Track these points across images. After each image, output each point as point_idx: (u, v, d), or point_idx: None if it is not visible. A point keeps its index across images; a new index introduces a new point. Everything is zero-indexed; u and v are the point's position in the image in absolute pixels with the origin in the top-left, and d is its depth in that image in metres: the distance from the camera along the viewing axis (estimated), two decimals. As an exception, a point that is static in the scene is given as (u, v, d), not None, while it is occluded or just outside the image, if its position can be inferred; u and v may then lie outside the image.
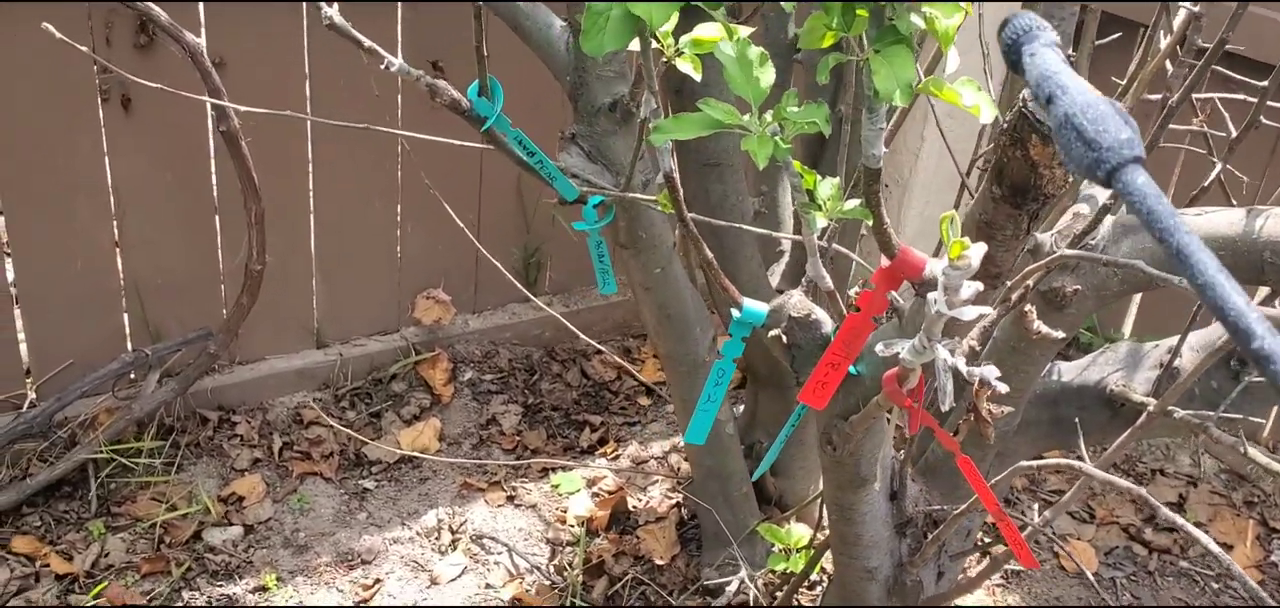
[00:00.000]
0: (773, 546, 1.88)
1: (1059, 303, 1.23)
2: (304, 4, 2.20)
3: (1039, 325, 1.04)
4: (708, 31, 0.95)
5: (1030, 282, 0.97)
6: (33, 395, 2.23)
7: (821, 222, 0.94)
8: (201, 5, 2.10)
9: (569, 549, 2.20)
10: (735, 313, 1.15)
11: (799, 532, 1.88)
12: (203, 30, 2.10)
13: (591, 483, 2.40)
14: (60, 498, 2.14)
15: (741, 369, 2.46)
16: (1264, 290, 1.41)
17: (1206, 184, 1.38)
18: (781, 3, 0.85)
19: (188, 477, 2.24)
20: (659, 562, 2.16)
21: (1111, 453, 1.14)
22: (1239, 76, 1.41)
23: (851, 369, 1.10)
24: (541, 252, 2.79)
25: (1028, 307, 1.05)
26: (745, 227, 1.71)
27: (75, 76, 2.03)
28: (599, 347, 2.46)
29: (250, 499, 2.22)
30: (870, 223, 0.91)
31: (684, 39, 0.98)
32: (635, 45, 0.94)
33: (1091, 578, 1.30)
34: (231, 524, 2.16)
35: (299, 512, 2.22)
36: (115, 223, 2.20)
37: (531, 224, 2.72)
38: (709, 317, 1.85)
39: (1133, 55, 1.50)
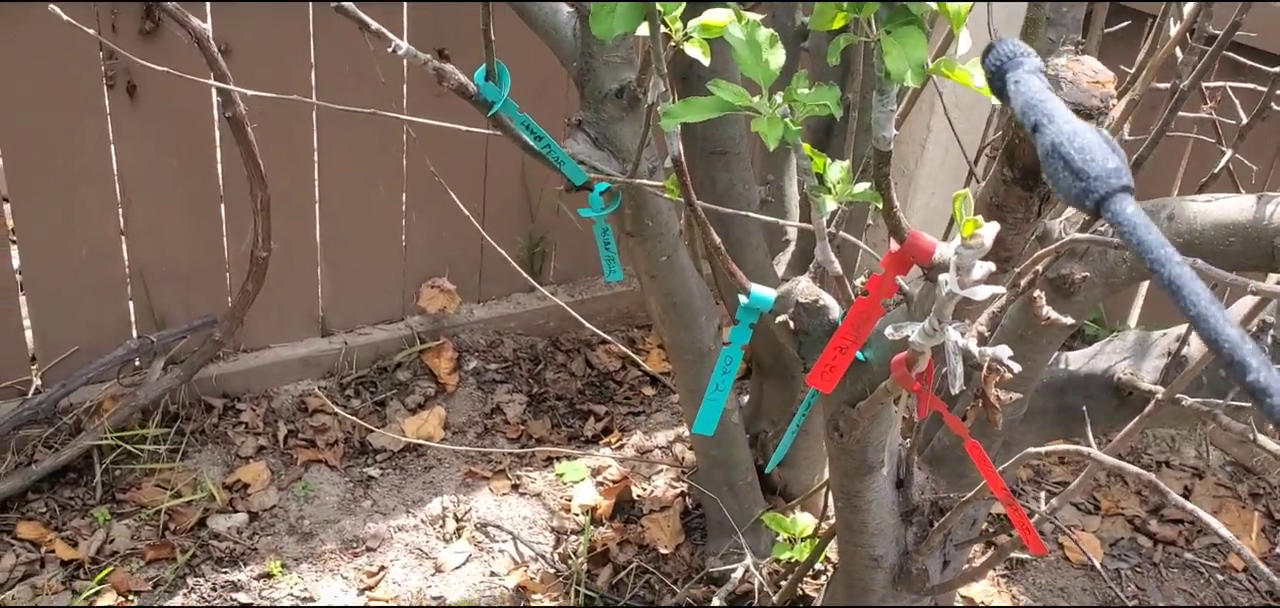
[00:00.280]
0: (777, 535, 1.88)
1: (1067, 290, 1.22)
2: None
3: (1048, 311, 1.04)
4: (717, 16, 0.95)
5: (1039, 267, 0.97)
6: (38, 382, 2.23)
7: (831, 205, 0.94)
8: (207, -8, 2.09)
9: (573, 538, 2.20)
10: (743, 299, 1.15)
11: (804, 521, 1.88)
12: (209, 17, 2.10)
13: (596, 472, 2.40)
14: (65, 484, 2.14)
15: (746, 358, 2.46)
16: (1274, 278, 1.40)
17: (1216, 171, 1.37)
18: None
19: (192, 464, 2.24)
20: (663, 551, 2.16)
21: (1119, 441, 1.13)
22: (1250, 63, 1.40)
23: (859, 355, 1.10)
24: (546, 241, 2.78)
25: (1037, 293, 1.05)
26: (752, 214, 1.70)
27: (81, 63, 2.03)
28: (604, 336, 2.46)
29: (255, 487, 2.22)
30: (880, 207, 0.90)
31: (693, 23, 0.98)
32: (644, 29, 0.94)
33: (1099, 567, 1.30)
34: (236, 511, 2.16)
35: (304, 499, 2.22)
36: (121, 210, 2.20)
37: (536, 213, 2.72)
38: (714, 305, 1.85)
39: (1141, 44, 1.49)
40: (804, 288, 1.15)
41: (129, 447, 2.20)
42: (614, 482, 2.35)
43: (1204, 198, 1.17)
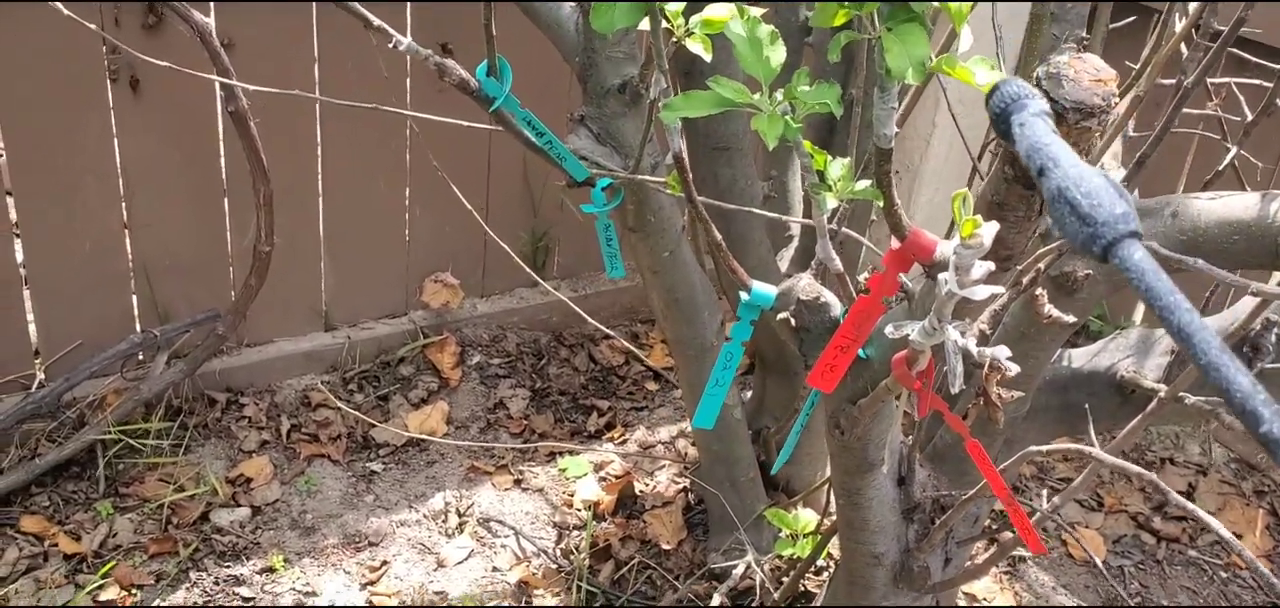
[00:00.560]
0: (779, 531, 1.88)
1: (1070, 287, 1.22)
2: (313, -15, 2.19)
3: (1050, 309, 1.04)
4: (718, 11, 0.94)
5: (1041, 265, 0.96)
6: (41, 376, 2.23)
7: (832, 202, 0.93)
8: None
9: (576, 533, 2.20)
10: (744, 296, 1.14)
11: (806, 517, 1.88)
12: (212, 11, 2.10)
13: (598, 467, 2.40)
14: (68, 478, 2.14)
15: (749, 354, 2.46)
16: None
17: (1221, 169, 1.37)
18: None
19: (196, 458, 2.24)
20: (665, 546, 2.16)
21: (1122, 439, 1.13)
22: (1256, 60, 1.39)
23: (860, 353, 1.10)
24: (549, 236, 2.78)
25: (1039, 291, 1.04)
26: (754, 210, 1.70)
27: (84, 58, 2.03)
28: (607, 331, 2.46)
29: (258, 481, 2.22)
30: (881, 204, 0.90)
31: (694, 19, 0.97)
32: (645, 24, 0.93)
33: (1100, 566, 1.30)
34: (239, 506, 2.16)
35: (306, 494, 2.22)
36: (124, 204, 2.20)
37: (539, 208, 2.71)
38: (717, 301, 1.85)
39: (1147, 39, 1.49)
40: (805, 285, 1.14)
41: (132, 441, 2.20)
42: (617, 477, 2.35)
43: (1208, 195, 1.16)
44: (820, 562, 2.03)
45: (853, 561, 1.48)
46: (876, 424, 1.22)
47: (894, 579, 1.47)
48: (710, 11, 0.95)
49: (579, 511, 2.27)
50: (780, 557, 1.98)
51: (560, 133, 1.44)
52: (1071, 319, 1.07)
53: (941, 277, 0.71)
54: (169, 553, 2.03)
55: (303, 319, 2.52)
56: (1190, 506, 0.93)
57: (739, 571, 1.95)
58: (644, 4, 0.90)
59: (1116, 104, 0.75)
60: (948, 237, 0.94)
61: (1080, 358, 1.45)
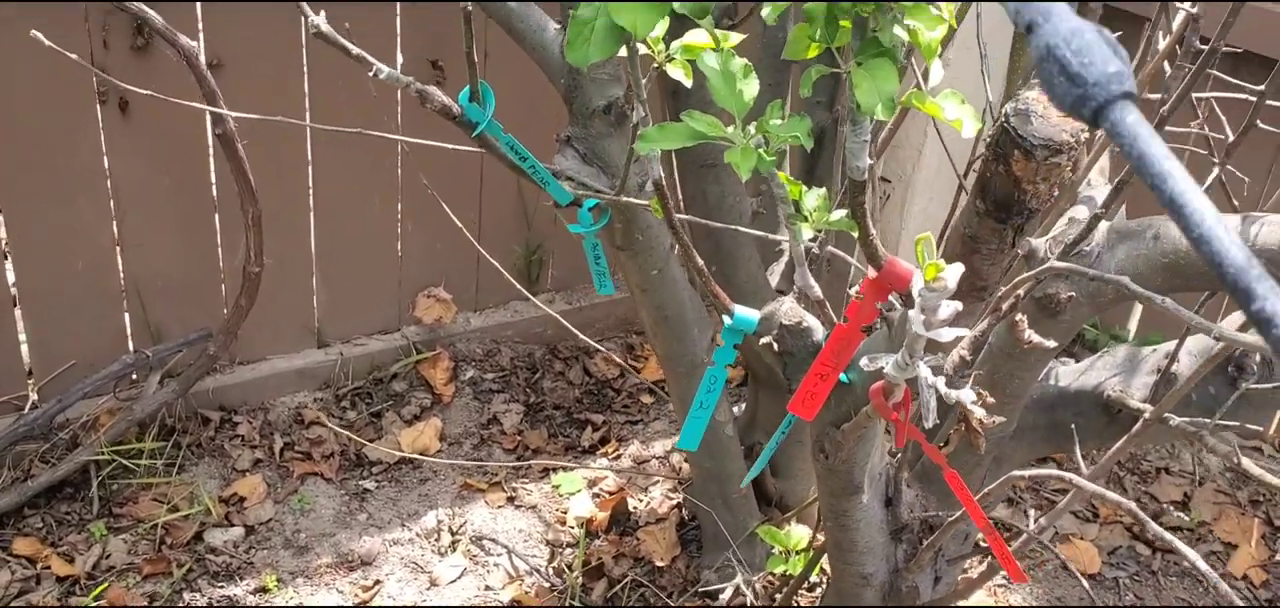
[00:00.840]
0: (772, 548, 1.88)
1: (1053, 309, 1.21)
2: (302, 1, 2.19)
3: (1030, 335, 1.03)
4: (699, 37, 0.94)
5: (1021, 291, 0.96)
6: (34, 397, 2.23)
7: (808, 233, 0.93)
8: (199, 4, 2.09)
9: (569, 551, 2.20)
10: (726, 320, 1.14)
11: (798, 534, 1.87)
12: (200, 30, 2.10)
13: (593, 483, 2.39)
14: (62, 499, 2.14)
15: (743, 368, 2.45)
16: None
17: (1206, 186, 1.36)
18: (762, 7, 0.84)
19: (189, 478, 2.24)
20: (659, 564, 2.16)
21: (1104, 463, 1.13)
22: (1234, 81, 1.39)
23: (842, 377, 1.09)
24: (543, 249, 2.78)
25: (1019, 316, 1.04)
26: (743, 228, 1.70)
27: (74, 77, 2.03)
28: (600, 346, 2.45)
29: (251, 500, 2.22)
30: (857, 234, 0.90)
31: (675, 45, 0.97)
32: (625, 52, 0.93)
33: (1087, 588, 1.29)
34: (232, 525, 2.16)
35: (299, 513, 2.22)
36: (115, 223, 2.20)
37: (532, 222, 2.71)
38: (707, 317, 1.84)
39: (1134, 51, 1.48)
40: (787, 310, 1.14)
41: (125, 461, 2.20)
42: (610, 493, 2.35)
43: (1190, 216, 1.15)
44: (813, 578, 2.03)
45: (842, 581, 1.47)
46: (861, 447, 1.22)
47: (883, 599, 1.47)
48: (690, 38, 0.95)
49: (572, 528, 2.26)
50: (773, 574, 1.97)
51: (550, 152, 1.44)
52: (1052, 344, 1.07)
53: (910, 314, 0.71)
54: (163, 574, 2.03)
55: (295, 336, 2.52)
56: (1167, 535, 0.93)
57: (727, 595, 1.95)
58: (619, 35, 0.90)
59: (1088, 136, 0.75)
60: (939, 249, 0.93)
61: (1068, 376, 1.45)
